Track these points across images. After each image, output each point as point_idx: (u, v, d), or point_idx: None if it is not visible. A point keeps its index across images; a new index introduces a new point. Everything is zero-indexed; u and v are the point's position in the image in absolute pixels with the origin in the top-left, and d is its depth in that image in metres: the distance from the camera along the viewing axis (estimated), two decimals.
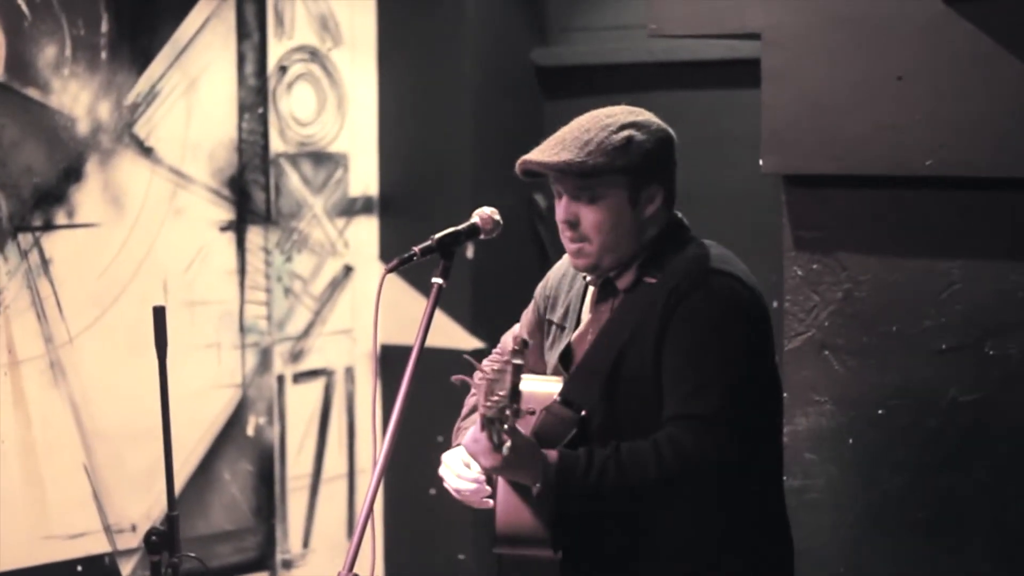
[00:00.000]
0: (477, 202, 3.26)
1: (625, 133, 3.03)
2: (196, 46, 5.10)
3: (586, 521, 2.99)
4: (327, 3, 5.47)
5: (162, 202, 5.00)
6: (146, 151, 4.97)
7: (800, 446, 3.55)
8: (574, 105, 3.33)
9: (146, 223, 4.96)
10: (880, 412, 3.46)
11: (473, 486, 3.11)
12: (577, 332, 3.15)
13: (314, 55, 5.46)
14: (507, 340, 3.40)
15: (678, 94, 5.14)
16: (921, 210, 3.42)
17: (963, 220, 3.37)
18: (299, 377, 5.46)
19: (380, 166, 5.64)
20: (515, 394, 2.70)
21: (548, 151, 3.05)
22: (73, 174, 4.79)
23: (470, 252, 5.32)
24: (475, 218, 3.17)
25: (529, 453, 2.90)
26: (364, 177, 5.61)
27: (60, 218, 4.76)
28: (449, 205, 5.26)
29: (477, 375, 2.89)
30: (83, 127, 4.81)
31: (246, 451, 5.29)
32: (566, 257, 3.25)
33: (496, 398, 2.69)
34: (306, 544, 5.49)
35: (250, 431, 5.30)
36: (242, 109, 5.25)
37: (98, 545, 4.86)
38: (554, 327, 3.23)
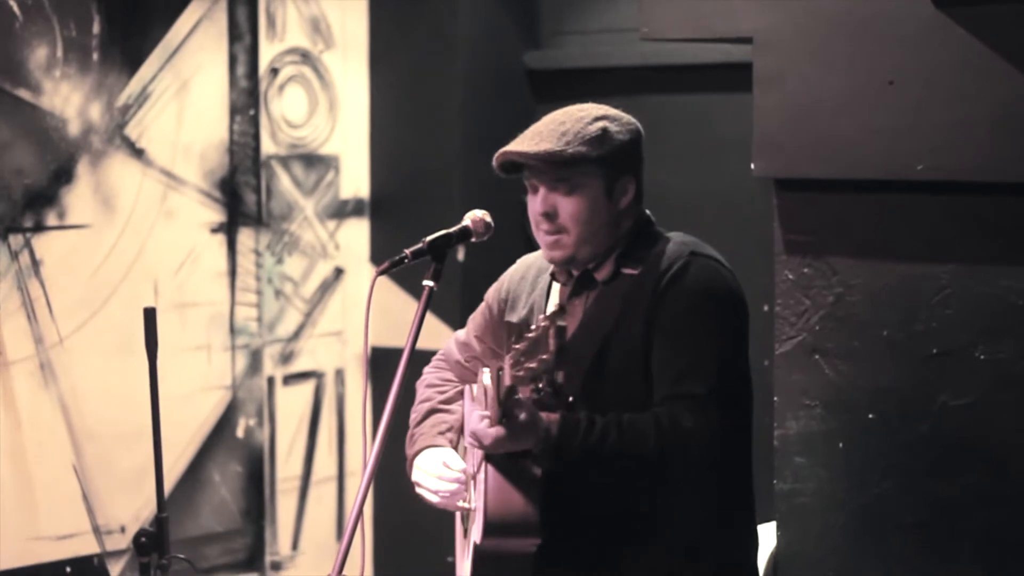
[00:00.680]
0: (468, 205, 3.26)
1: (600, 124, 3.09)
2: (187, 48, 5.10)
3: (577, 504, 3.01)
4: (319, 5, 5.47)
5: (153, 203, 5.00)
6: (137, 152, 4.96)
7: (790, 450, 3.54)
8: None
9: (137, 224, 4.95)
10: (871, 416, 3.46)
11: (454, 486, 3.13)
12: None
13: (306, 57, 5.45)
14: (452, 346, 3.43)
15: (670, 98, 5.14)
16: (912, 214, 3.41)
17: (954, 224, 3.36)
18: (289, 379, 5.45)
19: (371, 168, 5.63)
20: (562, 352, 2.67)
21: (527, 142, 3.08)
22: (64, 175, 4.78)
23: (461, 255, 5.32)
24: (467, 221, 3.18)
25: (534, 419, 2.89)
26: (355, 179, 5.61)
27: (51, 219, 4.75)
28: (440, 208, 5.26)
29: (484, 370, 2.94)
30: (74, 128, 4.80)
31: (236, 453, 5.29)
32: (521, 261, 3.36)
33: (545, 356, 2.66)
34: (295, 546, 5.48)
35: (240, 433, 5.30)
36: (233, 111, 5.24)
37: (87, 546, 4.85)
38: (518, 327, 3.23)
